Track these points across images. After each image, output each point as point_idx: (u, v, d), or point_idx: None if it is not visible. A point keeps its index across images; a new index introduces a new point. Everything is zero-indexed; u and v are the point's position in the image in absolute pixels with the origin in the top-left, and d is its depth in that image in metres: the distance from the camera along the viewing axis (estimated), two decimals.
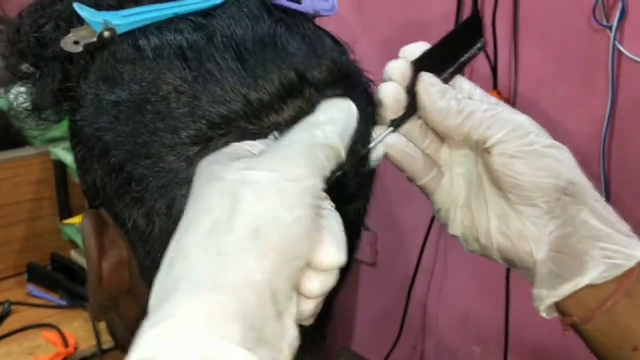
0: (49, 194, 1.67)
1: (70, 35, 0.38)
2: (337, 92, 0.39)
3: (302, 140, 0.33)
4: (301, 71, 0.38)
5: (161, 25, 0.38)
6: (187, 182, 0.36)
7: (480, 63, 1.40)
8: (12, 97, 0.43)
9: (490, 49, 1.36)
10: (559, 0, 1.25)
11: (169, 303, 0.29)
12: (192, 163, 0.36)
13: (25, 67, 0.42)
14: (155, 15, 0.39)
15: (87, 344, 1.37)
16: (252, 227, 0.29)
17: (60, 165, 1.64)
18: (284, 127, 0.37)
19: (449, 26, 1.44)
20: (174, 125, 0.36)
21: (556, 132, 1.38)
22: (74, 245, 1.69)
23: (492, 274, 1.48)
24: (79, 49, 0.38)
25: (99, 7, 0.39)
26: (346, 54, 0.43)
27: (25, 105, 0.42)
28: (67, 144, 1.62)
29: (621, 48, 1.16)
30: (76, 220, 1.65)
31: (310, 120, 0.36)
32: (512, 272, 1.44)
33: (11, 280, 1.62)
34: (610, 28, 1.16)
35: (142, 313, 0.40)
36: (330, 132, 0.34)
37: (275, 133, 0.37)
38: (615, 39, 1.15)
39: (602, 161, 1.22)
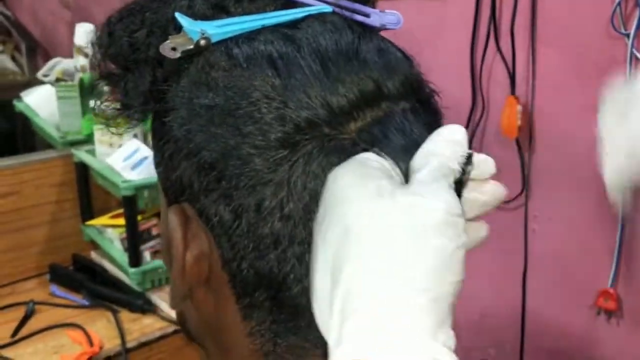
0: (71, 195, 1.69)
1: (169, 41, 0.40)
2: (409, 104, 0.42)
3: (444, 172, 0.37)
4: (378, 82, 0.41)
5: (251, 36, 0.41)
6: (273, 183, 0.39)
7: (498, 69, 1.43)
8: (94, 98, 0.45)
9: (508, 55, 1.39)
10: (577, 8, 1.28)
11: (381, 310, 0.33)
12: (279, 165, 0.39)
13: (114, 69, 0.44)
14: (246, 26, 0.41)
15: (111, 343, 1.39)
16: (436, 256, 0.35)
17: (82, 168, 1.67)
18: (364, 134, 0.40)
19: (467, 33, 1.47)
20: (263, 128, 0.39)
21: (573, 138, 1.42)
22: (94, 246, 1.71)
23: (508, 277, 1.51)
24: (177, 54, 0.40)
25: (195, 16, 0.41)
26: (414, 67, 0.45)
27: (109, 104, 0.45)
28: (90, 147, 1.65)
29: (638, 55, 1.19)
30: (97, 221, 1.67)
31: (440, 154, 0.39)
32: (528, 275, 1.47)
33: (34, 280, 1.64)
34: (628, 36, 1.19)
35: (216, 304, 0.44)
36: (451, 161, 0.38)
37: (376, 149, 0.39)
38: (632, 46, 1.19)
39: None
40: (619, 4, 1.19)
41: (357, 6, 0.46)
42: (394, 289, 0.34)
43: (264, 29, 0.41)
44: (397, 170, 0.39)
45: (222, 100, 0.40)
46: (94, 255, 1.72)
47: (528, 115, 1.39)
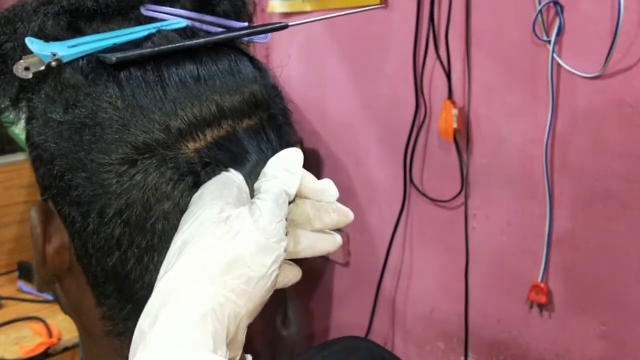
0: (39, 197, 1.76)
1: (22, 61, 0.44)
2: (253, 121, 0.46)
3: (274, 201, 0.41)
4: (218, 103, 0.44)
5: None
6: (114, 193, 0.43)
7: (436, 74, 1.50)
8: None
9: (445, 61, 1.47)
10: (504, 16, 1.35)
11: (160, 320, 0.36)
12: (120, 177, 0.43)
13: None
14: (97, 45, 0.45)
15: (70, 335, 1.46)
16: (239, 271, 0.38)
17: None
18: (203, 152, 0.43)
19: (410, 39, 1.54)
20: (106, 147, 0.43)
21: (505, 138, 1.49)
22: None
23: (453, 272, 1.58)
24: (29, 75, 0.44)
25: (47, 37, 0.45)
26: (266, 83, 0.48)
27: None
28: None
29: (559, 61, 1.26)
30: None
31: (273, 182, 0.42)
32: (470, 270, 1.54)
33: (3, 277, 1.72)
34: (550, 42, 1.26)
35: (77, 290, 0.49)
36: (290, 188, 0.42)
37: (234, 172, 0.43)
38: (553, 52, 1.26)
39: (545, 163, 1.32)
40: (540, 12, 1.26)
41: (222, 21, 0.49)
42: (186, 298, 0.37)
43: (115, 48, 0.45)
44: (246, 187, 0.43)
45: (70, 117, 0.44)
46: None
47: (465, 118, 1.46)
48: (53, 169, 0.45)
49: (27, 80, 0.46)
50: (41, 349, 1.38)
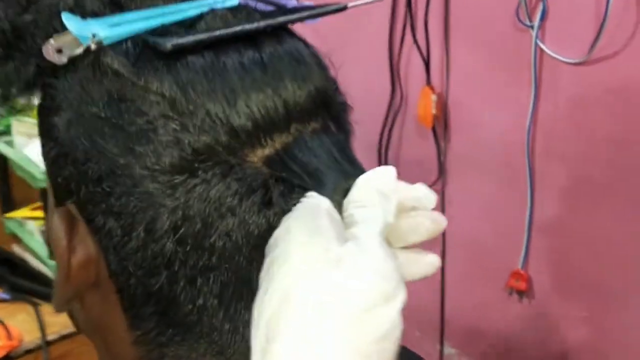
0: None
1: (52, 41, 0.37)
2: (318, 124, 0.39)
3: (380, 234, 0.35)
4: (287, 101, 0.38)
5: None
6: (167, 207, 0.36)
7: (414, 60, 1.47)
8: None
9: (423, 47, 1.44)
10: (486, 1, 1.33)
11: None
12: (174, 189, 0.36)
13: None
14: (142, 26, 0.38)
15: (32, 336, 1.37)
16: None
17: (1, 159, 1.64)
18: (273, 163, 0.37)
19: (385, 25, 1.50)
20: (158, 151, 0.36)
21: (485, 124, 1.48)
22: (16, 239, 1.68)
23: None
24: (63, 59, 0.37)
25: (84, 13, 0.38)
26: (328, 75, 0.42)
27: None
28: (8, 138, 1.62)
29: (542, 46, 1.25)
30: (18, 213, 1.64)
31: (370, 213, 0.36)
32: (447, 258, 1.53)
33: None
34: (533, 27, 1.25)
35: (103, 308, 0.41)
36: (390, 217, 0.36)
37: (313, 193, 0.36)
38: (537, 37, 1.24)
39: (527, 150, 1.31)
40: None
41: None
42: None
43: (164, 29, 0.38)
44: (338, 215, 0.36)
45: (113, 112, 0.37)
46: (16, 249, 1.68)
47: (443, 105, 1.44)
48: (87, 172, 0.37)
49: (49, 62, 0.37)
50: (1, 354, 1.29)
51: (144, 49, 0.37)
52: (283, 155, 0.37)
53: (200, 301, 0.38)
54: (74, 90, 0.38)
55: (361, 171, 0.39)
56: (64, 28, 0.37)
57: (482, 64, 1.37)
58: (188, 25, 0.39)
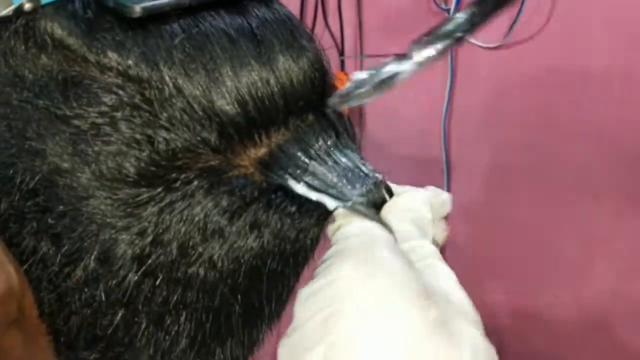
0: None
1: None
2: (314, 114, 0.33)
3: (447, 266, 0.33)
4: (285, 86, 0.30)
5: None
6: (130, 230, 0.27)
7: (326, 45, 1.43)
8: None
9: (336, 32, 1.40)
10: None
11: None
12: (142, 207, 0.27)
13: None
14: None
15: None
16: None
17: None
18: (268, 166, 0.30)
19: (295, 9, 1.45)
20: (120, 152, 0.27)
21: (399, 111, 1.45)
22: None
23: None
24: None
25: None
26: (322, 55, 0.36)
27: None
28: None
29: None
30: None
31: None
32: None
33: None
34: (448, 11, 1.23)
35: (26, 352, 0.32)
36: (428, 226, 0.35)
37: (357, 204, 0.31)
38: None
39: (443, 136, 1.30)
40: None
41: None
42: None
43: None
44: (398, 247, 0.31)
45: (54, 98, 0.27)
46: None
47: None
48: (12, 179, 0.28)
49: None
50: None
51: (99, 13, 0.28)
52: (280, 156, 0.30)
53: (166, 344, 0.30)
54: None
55: (373, 173, 0.34)
56: None
57: (396, 49, 1.34)
58: None
